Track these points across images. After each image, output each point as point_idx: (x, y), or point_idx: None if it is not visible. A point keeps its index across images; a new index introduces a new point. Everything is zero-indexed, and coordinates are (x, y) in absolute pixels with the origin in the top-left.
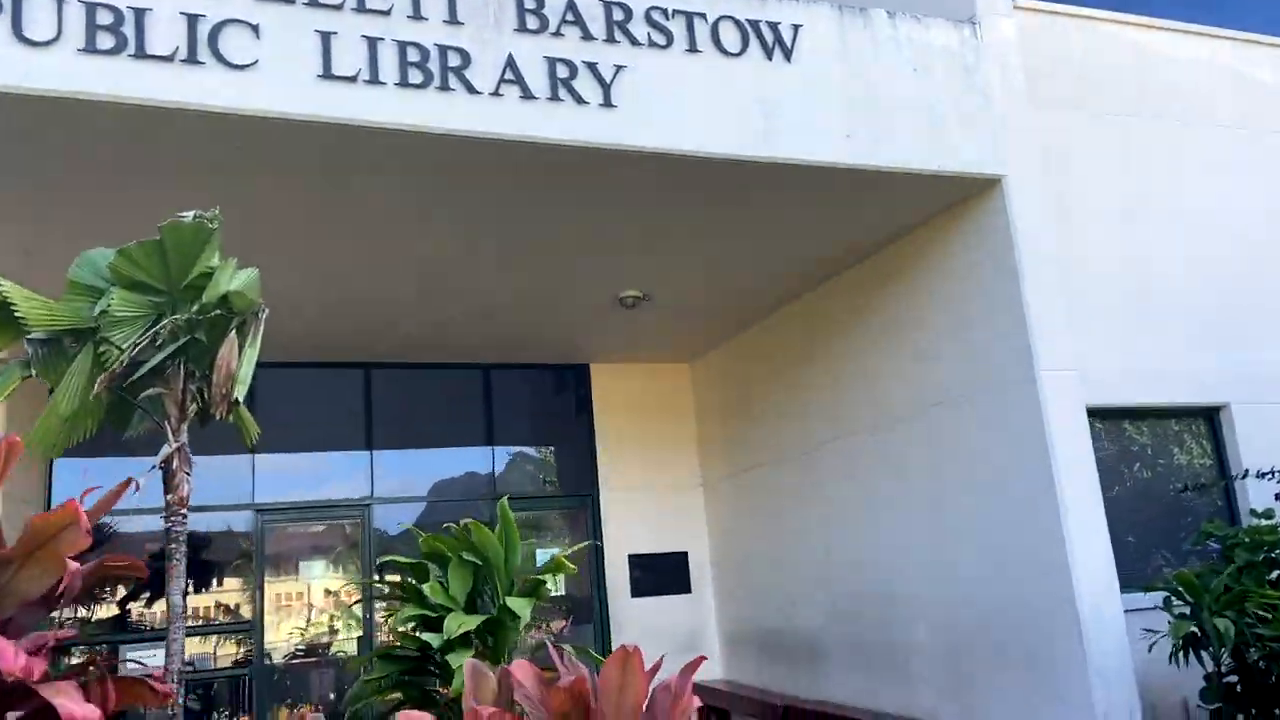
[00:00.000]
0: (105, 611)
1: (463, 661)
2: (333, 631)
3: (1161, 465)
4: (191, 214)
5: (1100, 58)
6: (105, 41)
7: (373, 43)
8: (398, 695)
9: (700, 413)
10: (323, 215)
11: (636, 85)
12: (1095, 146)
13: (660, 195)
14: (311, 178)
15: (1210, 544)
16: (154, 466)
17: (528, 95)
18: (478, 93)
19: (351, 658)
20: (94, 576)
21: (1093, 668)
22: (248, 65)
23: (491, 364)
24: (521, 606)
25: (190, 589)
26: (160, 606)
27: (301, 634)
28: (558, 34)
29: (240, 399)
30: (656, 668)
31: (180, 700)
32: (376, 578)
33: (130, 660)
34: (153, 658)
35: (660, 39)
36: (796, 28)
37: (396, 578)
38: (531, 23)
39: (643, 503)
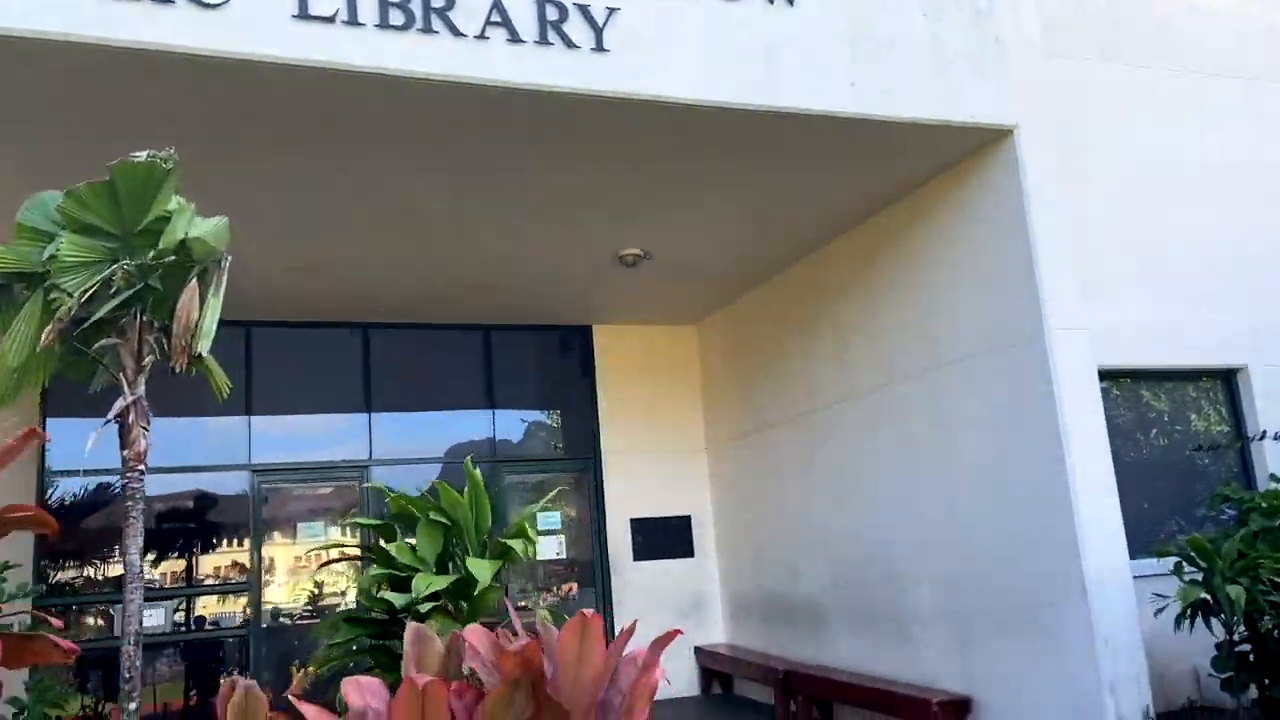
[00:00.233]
0: (112, 570)
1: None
2: (332, 592)
3: (1178, 430)
4: (145, 154)
5: (1120, 7)
6: None
7: None
8: (364, 659)
9: (705, 375)
10: (308, 169)
11: (630, 29)
12: (1113, 99)
13: (657, 147)
14: (293, 128)
15: (1226, 510)
16: (108, 421)
17: (515, 38)
18: (462, 35)
19: (320, 620)
20: None
21: (1098, 634)
22: (218, 4)
23: (492, 325)
24: (481, 569)
25: (193, 550)
26: (166, 566)
27: (301, 594)
28: None
29: (203, 352)
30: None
31: (137, 663)
32: (343, 539)
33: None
34: (149, 618)
35: None
36: None
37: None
38: None
39: (645, 466)
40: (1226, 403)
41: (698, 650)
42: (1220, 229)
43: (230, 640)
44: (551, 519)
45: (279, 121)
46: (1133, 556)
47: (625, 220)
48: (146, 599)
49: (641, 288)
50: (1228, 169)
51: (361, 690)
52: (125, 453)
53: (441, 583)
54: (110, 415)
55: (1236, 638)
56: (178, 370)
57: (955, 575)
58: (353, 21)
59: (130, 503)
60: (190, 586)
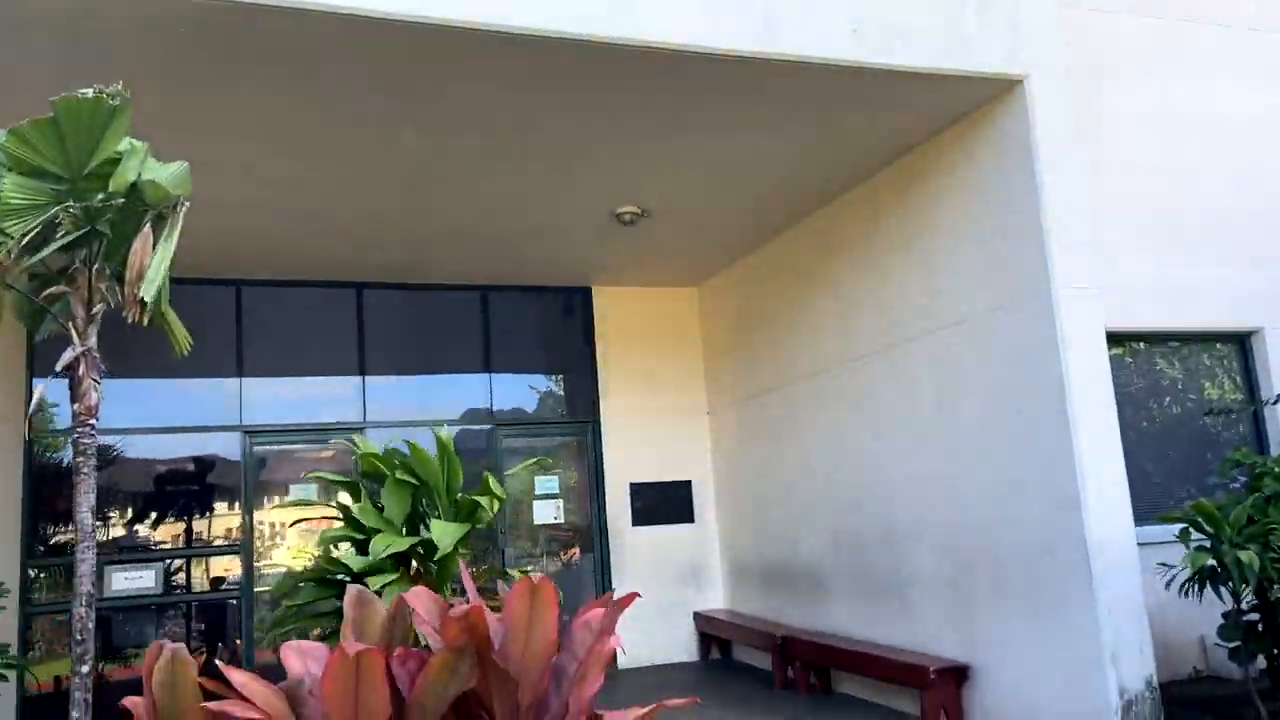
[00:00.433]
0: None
1: (394, 588)
2: (325, 555)
3: (1190, 397)
4: (91, 89)
5: None
6: None
7: None
8: (323, 622)
9: (707, 338)
10: (289, 119)
11: None
12: (1130, 51)
13: (652, 97)
14: (270, 71)
15: (1237, 476)
16: (56, 373)
17: None
18: None
19: (279, 581)
20: None
21: (1101, 602)
22: None
23: (490, 286)
24: (443, 533)
25: (184, 512)
26: (157, 528)
27: (294, 556)
28: None
29: (146, 298)
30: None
31: (89, 625)
32: (304, 496)
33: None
34: (139, 579)
35: None
36: None
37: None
38: None
39: (646, 430)
40: (1240, 367)
41: (697, 616)
42: (1239, 188)
43: (222, 603)
44: (550, 484)
45: (244, 58)
46: (1142, 524)
47: (620, 175)
48: (136, 560)
49: (641, 248)
50: (1249, 126)
51: (303, 655)
52: (75, 406)
53: (402, 545)
54: (58, 367)
55: (1245, 606)
56: (131, 320)
57: (956, 541)
58: None
59: (81, 459)
60: (180, 548)
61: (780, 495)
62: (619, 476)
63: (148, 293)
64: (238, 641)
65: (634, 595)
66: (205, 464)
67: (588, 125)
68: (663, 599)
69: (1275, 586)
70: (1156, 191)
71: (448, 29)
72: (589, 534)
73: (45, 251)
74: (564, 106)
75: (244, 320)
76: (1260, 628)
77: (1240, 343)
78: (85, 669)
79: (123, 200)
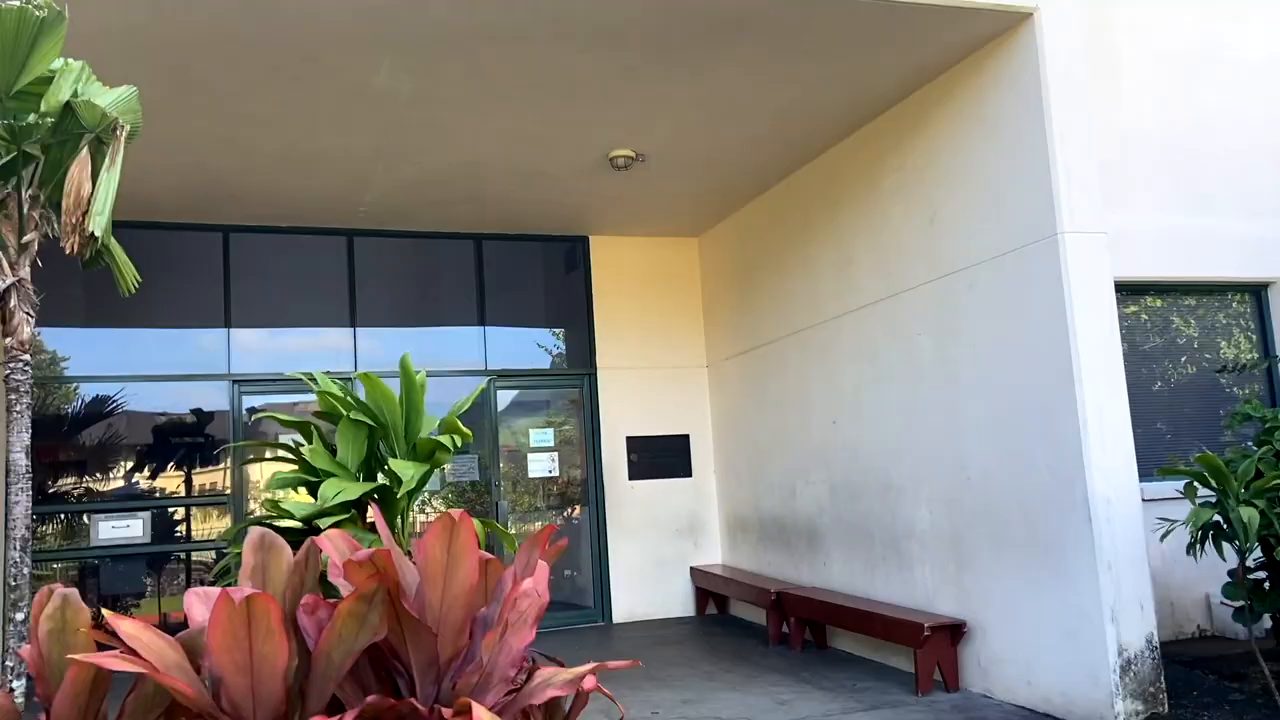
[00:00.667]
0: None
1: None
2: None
3: (1205, 355)
4: (16, 1)
5: None
6: None
7: None
8: None
9: (707, 289)
10: (258, 48)
11: None
12: None
13: (644, 30)
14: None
15: (1248, 431)
16: None
17: None
18: None
19: (228, 528)
20: None
21: (1101, 559)
22: None
23: (483, 234)
24: (407, 470)
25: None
26: (156, 480)
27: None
28: None
29: (96, 232)
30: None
31: (25, 570)
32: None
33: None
34: (126, 528)
35: None
36: None
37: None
38: None
39: (643, 383)
40: (1255, 319)
41: (693, 570)
42: (1258, 132)
43: (212, 553)
44: (545, 436)
45: None
46: (1146, 480)
47: (613, 115)
48: (125, 510)
49: (639, 195)
50: (1269, 67)
51: (208, 602)
52: (8, 340)
53: (354, 491)
54: None
55: (1251, 564)
56: (70, 251)
57: (954, 495)
58: None
59: (14, 396)
60: (169, 498)
61: (779, 450)
62: (616, 429)
63: (96, 225)
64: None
65: (564, 541)
66: (194, 413)
67: (573, 65)
68: (659, 554)
69: None
70: (1171, 135)
71: None
72: (583, 487)
73: None
74: (546, 41)
75: (232, 267)
76: (1267, 586)
77: (1256, 294)
78: (21, 616)
79: (54, 121)
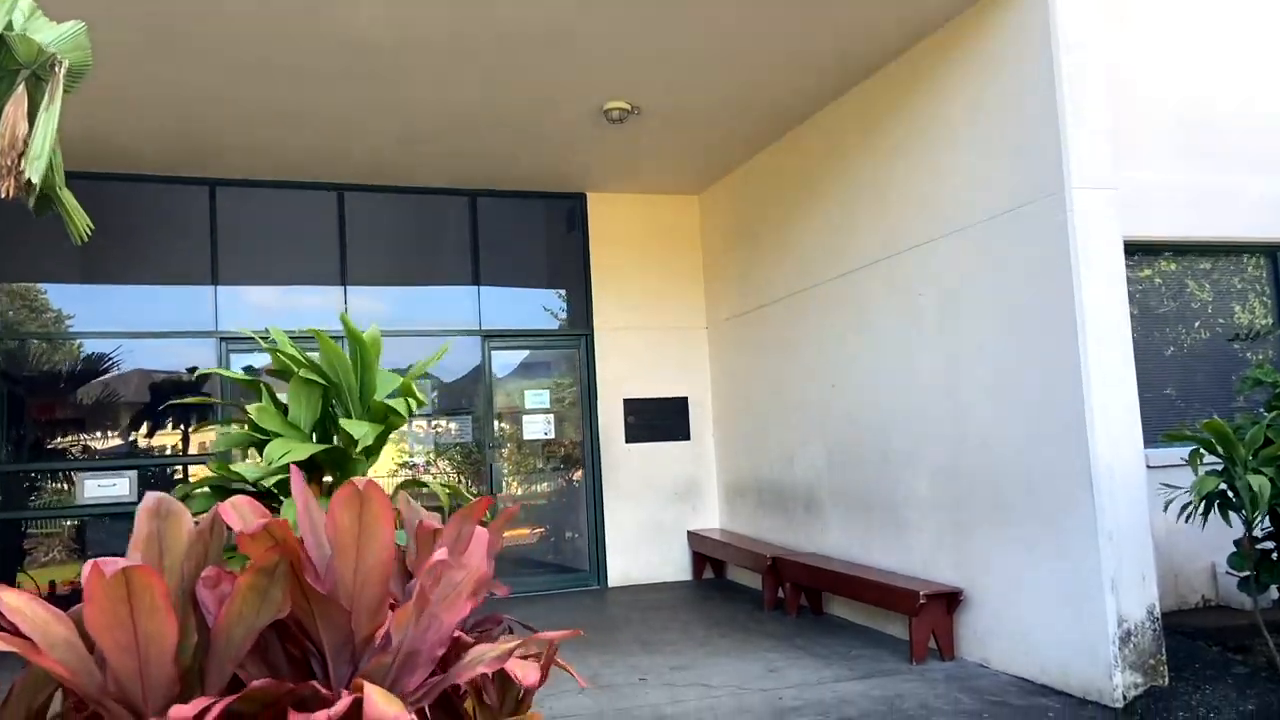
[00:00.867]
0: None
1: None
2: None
3: (1219, 321)
4: None
5: None
6: None
7: None
8: None
9: (707, 249)
10: None
11: None
12: None
13: None
14: None
15: (1259, 396)
16: None
17: None
18: None
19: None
20: None
21: (1102, 527)
22: None
23: (478, 190)
24: (361, 430)
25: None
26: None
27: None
28: None
29: (33, 178)
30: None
31: None
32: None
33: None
34: (113, 487)
35: None
36: None
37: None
38: None
39: (641, 344)
40: (1271, 283)
41: (690, 535)
42: (1277, 85)
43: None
44: (540, 397)
45: None
46: (1151, 447)
47: (605, 64)
48: (111, 468)
49: (636, 150)
50: None
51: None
52: None
53: (301, 452)
54: None
55: (1258, 534)
56: (5, 196)
57: (955, 462)
58: None
59: None
60: (156, 457)
61: (777, 413)
62: (613, 391)
63: (34, 171)
64: None
65: (515, 508)
66: (181, 370)
67: (566, 4)
68: (656, 517)
69: None
70: (1186, 87)
71: None
72: (580, 450)
73: None
74: None
75: (219, 222)
76: (1275, 557)
77: (1272, 255)
78: None
79: None
